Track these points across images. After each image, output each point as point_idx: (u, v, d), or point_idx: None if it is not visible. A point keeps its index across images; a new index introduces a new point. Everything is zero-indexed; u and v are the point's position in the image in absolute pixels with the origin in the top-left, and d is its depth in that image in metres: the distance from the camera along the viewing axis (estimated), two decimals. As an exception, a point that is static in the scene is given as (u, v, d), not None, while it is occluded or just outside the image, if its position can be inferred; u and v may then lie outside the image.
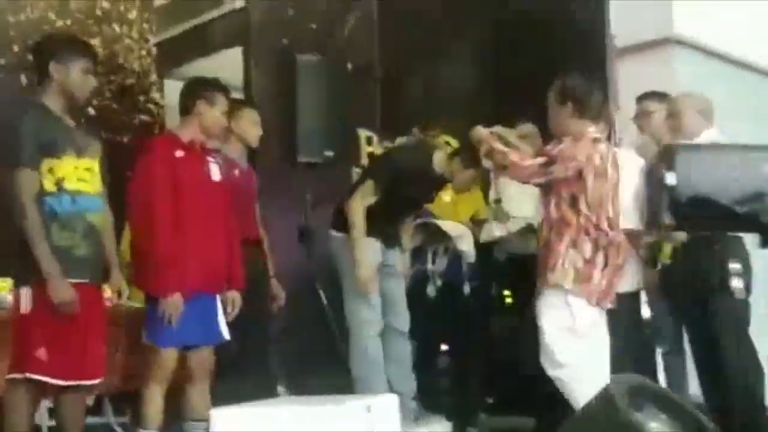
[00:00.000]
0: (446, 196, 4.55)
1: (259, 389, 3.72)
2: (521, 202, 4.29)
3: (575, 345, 3.34)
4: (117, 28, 5.16)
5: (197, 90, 3.55)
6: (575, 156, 3.33)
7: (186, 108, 3.54)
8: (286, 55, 4.95)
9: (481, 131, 3.58)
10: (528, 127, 4.25)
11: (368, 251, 3.94)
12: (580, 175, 3.33)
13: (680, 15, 6.89)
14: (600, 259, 3.35)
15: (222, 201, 3.56)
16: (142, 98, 5.25)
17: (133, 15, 5.25)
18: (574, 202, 3.35)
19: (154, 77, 5.30)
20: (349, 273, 3.97)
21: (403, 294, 4.19)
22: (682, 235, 3.78)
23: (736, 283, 3.71)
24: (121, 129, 5.03)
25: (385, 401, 3.33)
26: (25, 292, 3.03)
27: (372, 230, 3.94)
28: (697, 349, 4.01)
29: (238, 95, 4.67)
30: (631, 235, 3.84)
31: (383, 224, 4.03)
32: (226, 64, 5.01)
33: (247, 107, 4.20)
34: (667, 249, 4.09)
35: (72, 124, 3.21)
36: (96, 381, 3.18)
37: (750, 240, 3.84)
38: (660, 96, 4.25)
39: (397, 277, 4.18)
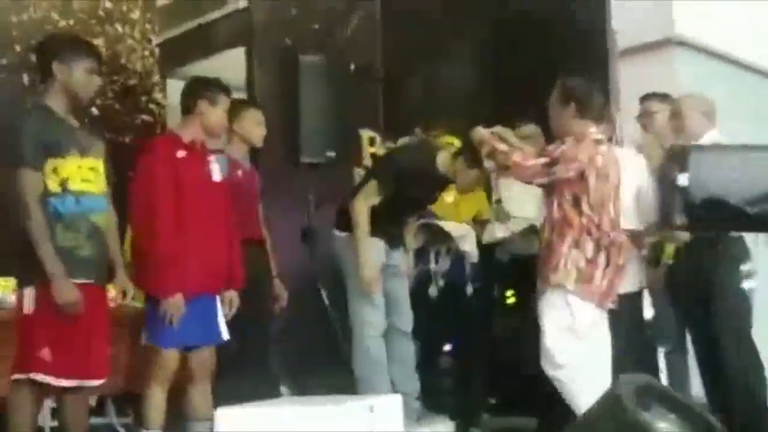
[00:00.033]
0: (448, 196, 4.55)
1: (261, 389, 3.73)
2: (523, 203, 4.30)
3: (575, 346, 3.35)
4: (120, 28, 5.16)
5: (198, 90, 3.55)
6: (577, 157, 3.34)
7: (187, 108, 3.54)
8: (289, 56, 4.95)
9: (481, 132, 3.59)
10: (531, 128, 4.26)
11: (372, 251, 3.94)
12: (582, 175, 3.34)
13: (681, 16, 6.87)
14: (602, 259, 3.36)
15: (222, 201, 3.56)
16: (144, 98, 5.25)
17: (135, 15, 5.25)
18: (576, 203, 3.36)
19: (156, 77, 5.29)
20: (352, 273, 3.97)
21: (406, 294, 4.19)
22: (684, 236, 3.78)
23: (749, 285, 3.72)
24: (123, 129, 5.03)
25: (388, 401, 3.34)
26: (29, 293, 3.04)
27: (376, 230, 3.94)
28: (700, 349, 4.02)
29: (240, 95, 4.68)
30: (633, 235, 3.85)
31: (387, 224, 4.03)
32: (229, 65, 5.01)
33: (250, 107, 4.21)
34: (670, 249, 4.10)
35: (75, 124, 3.21)
36: (100, 381, 3.18)
37: (751, 240, 3.87)
38: (663, 96, 4.26)
39: (400, 277, 4.18)
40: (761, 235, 3.74)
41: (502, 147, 3.47)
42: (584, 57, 4.71)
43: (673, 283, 4.04)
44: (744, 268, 3.76)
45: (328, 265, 4.42)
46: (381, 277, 4.01)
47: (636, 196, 3.87)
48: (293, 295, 4.25)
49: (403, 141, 5.13)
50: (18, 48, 4.69)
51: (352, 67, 5.49)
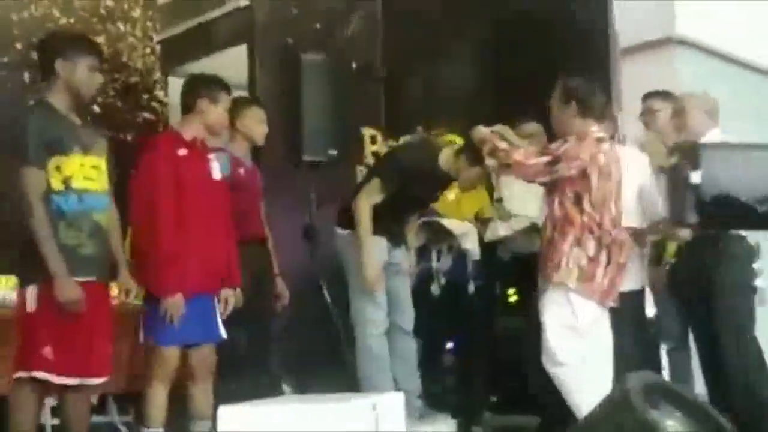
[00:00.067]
0: (450, 194, 4.54)
1: (263, 388, 3.73)
2: (525, 201, 4.29)
3: (576, 344, 3.35)
4: (121, 27, 5.16)
5: (199, 87, 3.54)
6: (579, 155, 3.35)
7: (188, 106, 3.54)
8: (291, 54, 4.95)
9: (482, 131, 3.60)
10: (533, 126, 4.26)
11: (375, 250, 3.93)
12: (584, 174, 3.35)
13: (682, 15, 6.89)
14: (603, 257, 3.37)
15: (222, 199, 3.56)
16: (145, 96, 5.25)
17: (137, 13, 5.25)
18: (578, 201, 3.36)
19: (158, 75, 5.30)
20: (355, 271, 3.96)
21: (408, 292, 4.19)
22: (686, 234, 3.79)
23: (762, 284, 3.73)
24: (124, 127, 5.03)
25: (391, 399, 3.33)
26: (32, 291, 3.03)
27: (378, 229, 3.93)
28: (701, 347, 4.03)
29: (242, 94, 4.67)
30: (635, 234, 3.85)
31: (389, 223, 4.02)
32: (230, 63, 5.00)
33: (253, 105, 4.20)
34: (672, 247, 4.11)
35: (78, 121, 3.21)
36: (102, 380, 3.18)
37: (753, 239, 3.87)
38: (665, 95, 4.27)
39: (402, 275, 4.17)
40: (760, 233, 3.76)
41: (504, 145, 3.48)
42: (584, 57, 4.70)
43: (675, 281, 4.06)
44: (754, 266, 3.77)
45: (329, 264, 4.42)
46: (383, 276, 4.01)
47: (638, 194, 3.89)
48: (295, 293, 4.24)
49: (404, 139, 5.14)
50: (19, 46, 4.70)
51: (354, 65, 5.49)
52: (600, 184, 3.36)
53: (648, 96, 4.32)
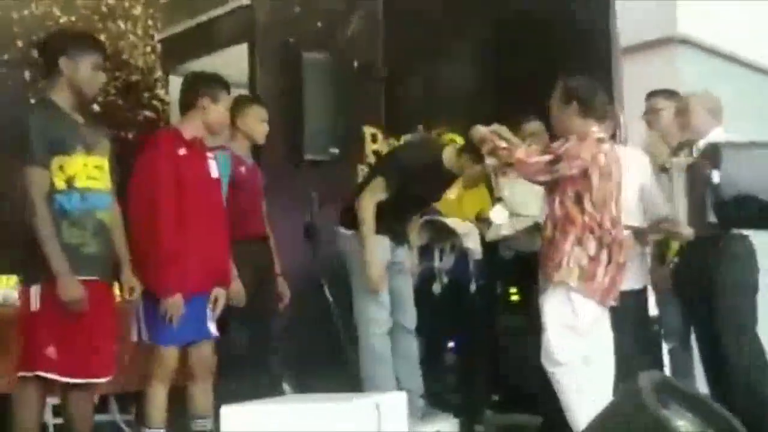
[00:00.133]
0: (452, 193, 4.54)
1: (264, 387, 3.72)
2: (527, 201, 4.29)
3: (576, 344, 3.36)
4: (122, 25, 5.14)
5: (200, 86, 3.53)
6: (580, 154, 3.35)
7: (188, 103, 3.53)
8: (292, 53, 4.94)
9: (481, 130, 3.60)
10: (535, 125, 4.27)
11: (378, 249, 3.93)
12: (585, 173, 3.36)
13: (684, 14, 6.88)
14: (604, 256, 3.37)
15: (220, 198, 3.56)
16: (146, 95, 5.24)
17: (138, 11, 5.23)
18: (578, 201, 3.37)
19: (159, 74, 5.28)
20: (358, 271, 3.96)
21: (410, 292, 4.19)
22: (689, 233, 3.79)
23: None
24: (125, 125, 5.01)
25: (394, 399, 3.34)
26: (35, 290, 3.02)
27: (381, 228, 3.93)
28: (703, 347, 4.04)
29: (243, 92, 4.67)
30: (637, 233, 3.86)
31: (392, 222, 4.02)
32: (232, 62, 4.99)
33: (254, 104, 4.19)
34: (675, 246, 4.11)
35: (81, 120, 3.20)
36: (105, 378, 3.18)
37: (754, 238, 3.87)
38: (669, 93, 4.27)
39: (405, 274, 4.17)
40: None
41: (504, 144, 3.48)
42: (585, 56, 4.70)
43: (677, 280, 4.06)
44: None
45: (330, 263, 4.42)
46: (386, 275, 4.00)
47: (639, 193, 3.89)
48: (296, 292, 4.24)
49: (406, 138, 5.14)
50: (20, 44, 4.68)
51: (355, 64, 5.48)
52: (601, 184, 3.36)
53: (651, 95, 4.32)
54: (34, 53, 3.84)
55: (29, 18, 4.74)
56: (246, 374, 3.87)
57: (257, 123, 4.13)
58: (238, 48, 5.10)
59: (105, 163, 3.19)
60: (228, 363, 3.81)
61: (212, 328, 3.46)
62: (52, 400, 3.47)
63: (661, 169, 4.12)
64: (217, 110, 3.53)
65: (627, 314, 3.69)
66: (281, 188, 4.51)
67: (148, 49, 5.27)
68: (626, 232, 3.62)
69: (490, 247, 4.56)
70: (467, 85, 5.28)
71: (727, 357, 3.75)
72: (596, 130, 3.44)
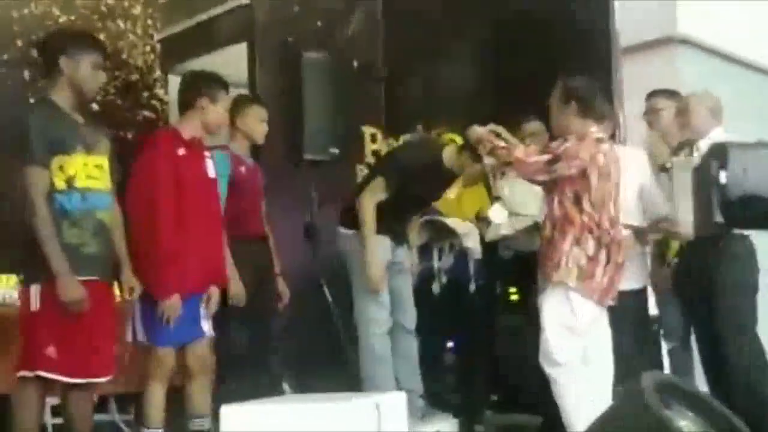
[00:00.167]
0: (451, 193, 4.54)
1: (263, 387, 3.72)
2: (527, 201, 4.29)
3: (575, 344, 3.36)
4: (121, 24, 5.14)
5: (199, 85, 3.53)
6: (579, 154, 3.36)
7: (186, 104, 3.52)
8: (291, 53, 4.93)
9: (478, 130, 3.60)
10: (535, 124, 4.27)
11: (379, 249, 3.93)
12: (584, 173, 3.36)
13: (684, 14, 6.89)
14: (602, 256, 3.38)
15: (217, 198, 3.57)
16: (146, 94, 5.24)
17: (137, 11, 5.24)
18: (577, 201, 3.37)
19: (158, 73, 5.28)
20: (359, 271, 3.95)
21: (410, 291, 4.18)
22: (688, 233, 3.79)
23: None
24: (124, 125, 5.01)
25: (393, 399, 3.33)
26: (35, 290, 3.02)
27: (381, 228, 3.93)
28: (703, 347, 4.04)
29: (243, 92, 4.66)
30: (637, 232, 3.86)
31: (392, 221, 4.01)
32: (231, 61, 4.98)
33: (254, 104, 4.18)
34: (675, 246, 4.11)
35: (81, 120, 3.19)
36: (106, 378, 3.18)
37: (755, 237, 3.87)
38: (669, 93, 4.28)
39: (405, 274, 4.17)
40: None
41: (502, 143, 3.48)
42: (585, 57, 4.70)
43: (678, 280, 4.06)
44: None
45: (330, 263, 4.41)
46: (387, 275, 4.00)
47: (639, 193, 3.90)
48: (296, 292, 4.23)
49: (405, 138, 5.14)
50: (19, 43, 4.68)
51: (355, 64, 5.48)
52: (599, 184, 3.36)
53: (652, 94, 4.32)
54: (34, 53, 3.83)
55: (28, 17, 4.74)
56: (246, 374, 3.87)
57: (257, 123, 4.12)
58: (237, 47, 5.09)
59: (105, 162, 3.18)
60: (228, 363, 3.81)
61: (206, 326, 3.46)
62: (51, 400, 3.47)
63: (661, 169, 4.13)
64: (215, 111, 3.52)
65: (626, 314, 3.69)
66: (281, 188, 4.51)
67: (148, 48, 5.27)
68: (626, 232, 3.63)
69: (489, 247, 4.56)
70: (467, 85, 5.28)
71: (727, 357, 3.75)
72: (595, 130, 3.45)
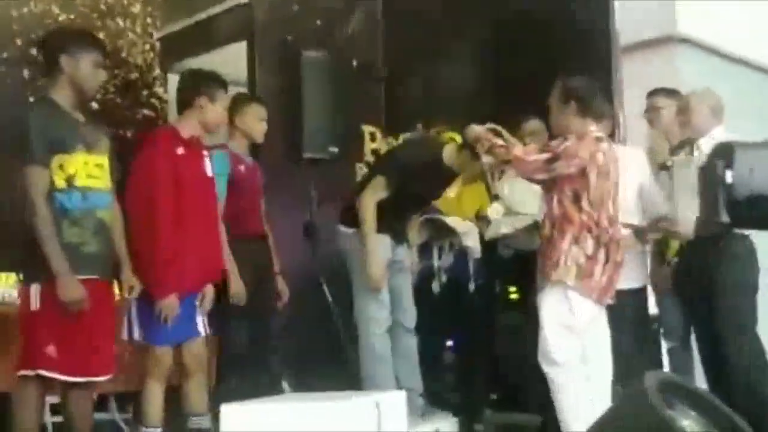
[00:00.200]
0: (451, 191, 4.54)
1: (263, 386, 3.72)
2: (527, 199, 4.29)
3: (573, 343, 3.36)
4: (120, 23, 5.14)
5: (198, 84, 3.53)
6: (578, 153, 3.36)
7: (184, 102, 3.52)
8: (291, 52, 4.93)
9: (476, 129, 3.60)
10: (535, 123, 4.27)
11: (379, 248, 3.93)
12: (583, 172, 3.37)
13: (684, 14, 6.89)
14: (601, 255, 3.38)
15: (215, 197, 3.56)
16: (145, 93, 5.24)
17: (136, 9, 5.23)
18: (576, 199, 3.38)
19: (157, 72, 5.28)
20: (359, 269, 3.95)
21: (410, 290, 4.18)
22: (688, 232, 3.79)
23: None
24: (124, 123, 5.01)
25: (393, 398, 3.33)
26: (35, 289, 3.02)
27: (381, 226, 3.92)
28: (703, 347, 4.04)
29: (242, 91, 4.66)
30: (636, 232, 3.86)
31: (392, 220, 4.02)
32: (230, 60, 4.99)
33: (253, 102, 4.18)
34: (674, 246, 4.12)
35: (81, 118, 3.19)
36: (106, 377, 3.18)
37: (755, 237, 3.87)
38: (670, 92, 4.28)
39: (405, 273, 4.17)
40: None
41: (500, 142, 3.48)
42: (585, 56, 4.70)
43: (678, 279, 4.06)
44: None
45: (330, 262, 4.41)
46: (387, 274, 4.00)
47: (638, 192, 3.90)
48: (295, 291, 4.23)
49: (405, 137, 5.14)
50: (19, 42, 4.67)
51: (354, 63, 5.48)
52: (598, 183, 3.37)
53: (652, 93, 4.33)
54: (34, 51, 3.83)
55: (28, 16, 4.74)
56: (245, 373, 3.87)
57: (256, 121, 4.12)
58: (236, 46, 5.09)
59: (105, 161, 3.18)
60: (227, 362, 3.81)
61: (201, 325, 3.46)
62: (51, 399, 3.46)
63: (662, 168, 4.13)
64: (214, 110, 3.52)
65: (626, 313, 3.70)
66: (280, 187, 4.50)
67: (147, 47, 5.27)
68: (625, 231, 3.63)
69: (489, 246, 4.56)
70: (467, 85, 5.28)
71: (727, 357, 3.76)
72: (594, 129, 3.45)
